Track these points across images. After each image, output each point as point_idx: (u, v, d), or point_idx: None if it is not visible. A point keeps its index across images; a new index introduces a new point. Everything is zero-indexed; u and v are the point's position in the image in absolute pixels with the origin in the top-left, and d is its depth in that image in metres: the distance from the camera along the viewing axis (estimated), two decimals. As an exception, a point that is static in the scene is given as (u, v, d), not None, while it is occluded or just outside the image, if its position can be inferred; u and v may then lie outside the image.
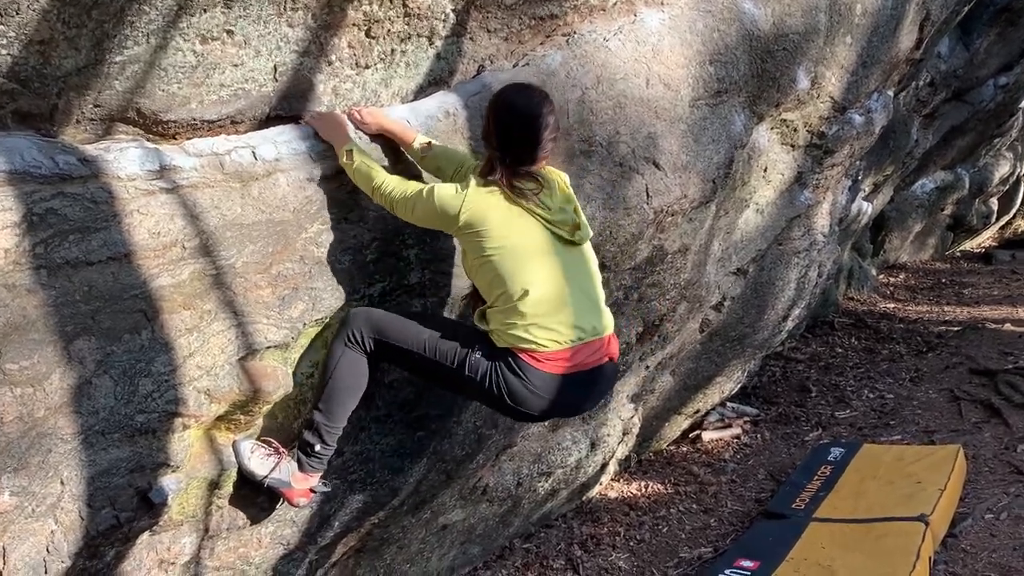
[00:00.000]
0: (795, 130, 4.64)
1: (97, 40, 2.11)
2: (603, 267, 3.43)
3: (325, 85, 2.72)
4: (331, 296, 2.49)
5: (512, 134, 2.55)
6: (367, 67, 2.81)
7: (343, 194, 2.59)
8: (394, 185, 2.52)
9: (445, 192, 2.52)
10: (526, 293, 2.53)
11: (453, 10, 2.93)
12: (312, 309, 2.43)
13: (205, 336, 2.23)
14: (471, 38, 3.12)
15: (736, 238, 4.79)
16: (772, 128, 4.52)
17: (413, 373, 2.81)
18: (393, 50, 2.84)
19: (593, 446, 4.47)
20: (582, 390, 2.71)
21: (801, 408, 6.46)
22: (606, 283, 3.54)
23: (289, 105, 2.66)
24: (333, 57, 2.68)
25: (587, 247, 2.74)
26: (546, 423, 4.02)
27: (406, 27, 2.80)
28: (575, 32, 3.40)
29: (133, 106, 2.31)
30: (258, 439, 2.52)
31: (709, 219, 4.09)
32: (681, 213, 3.76)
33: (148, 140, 2.40)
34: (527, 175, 2.57)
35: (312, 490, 2.54)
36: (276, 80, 2.55)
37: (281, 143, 2.55)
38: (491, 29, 3.14)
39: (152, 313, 2.16)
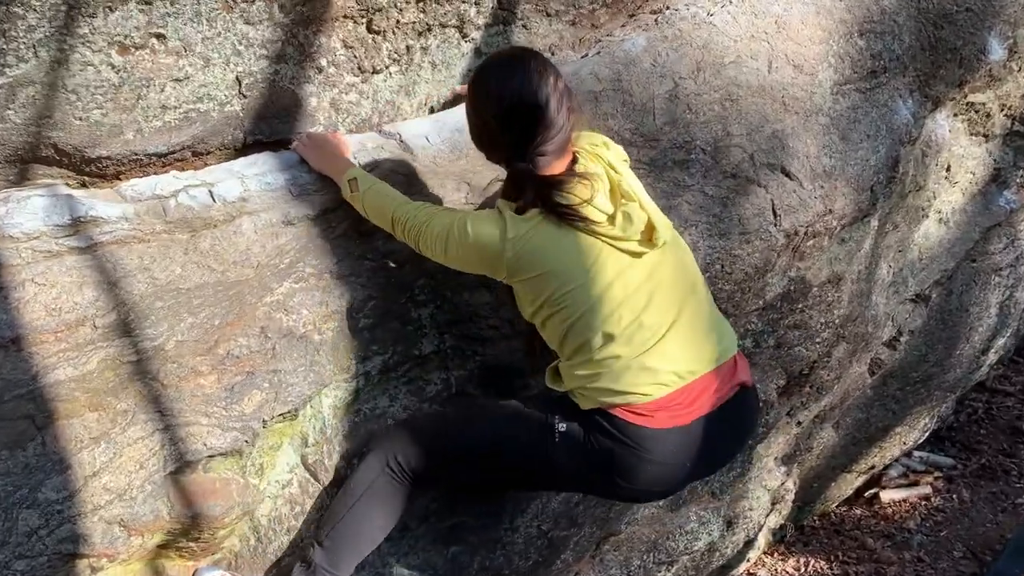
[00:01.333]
0: (988, 116, 3.59)
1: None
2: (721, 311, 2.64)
3: (319, 98, 2.12)
4: (302, 380, 1.85)
5: (515, 126, 1.82)
6: (375, 71, 2.18)
7: (331, 239, 1.95)
8: (420, 215, 1.88)
9: (482, 225, 1.84)
10: (611, 338, 1.84)
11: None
12: (274, 400, 1.80)
13: (118, 446, 1.65)
14: (524, 25, 2.43)
15: (912, 257, 3.77)
16: (955, 115, 3.50)
17: (482, 485, 2.15)
18: (409, 47, 2.19)
19: (729, 524, 3.61)
20: (716, 440, 1.97)
21: (1012, 458, 5.21)
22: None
23: (271, 127, 2.08)
24: (324, 61, 2.07)
25: (674, 246, 1.97)
26: (660, 502, 3.23)
27: (421, 15, 2.15)
28: (667, 7, 2.63)
29: (45, 142, 1.78)
30: (229, 569, 1.92)
31: (870, 237, 3.15)
32: (827, 233, 2.87)
33: (77, 185, 1.88)
34: (566, 180, 1.84)
35: None
36: (243, 96, 1.97)
37: (250, 177, 1.95)
38: (551, 12, 2.44)
39: (43, 419, 1.61)
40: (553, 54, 2.47)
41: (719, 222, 2.53)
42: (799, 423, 3.73)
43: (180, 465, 1.71)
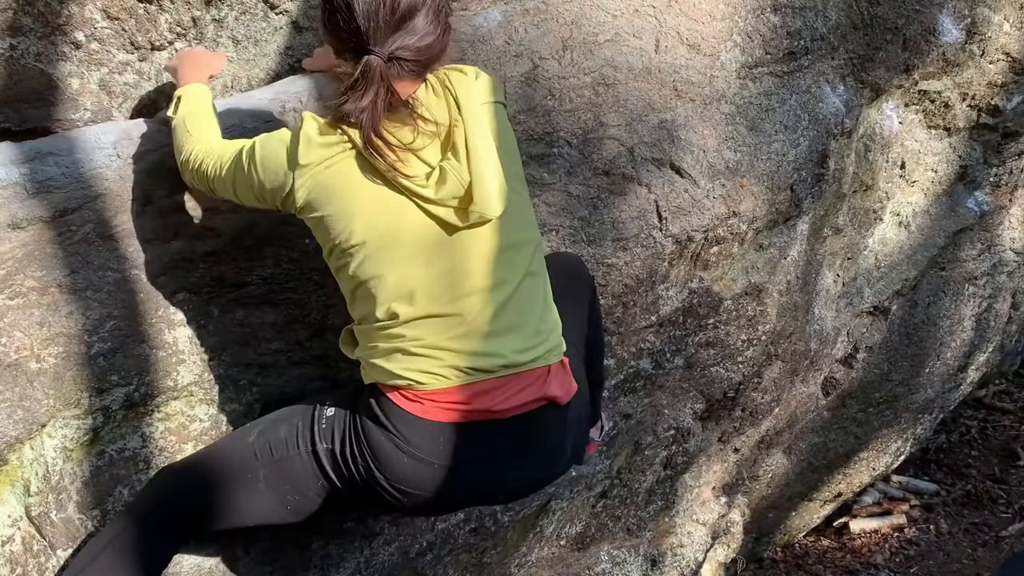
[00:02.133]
0: (947, 106, 3.18)
1: None
2: (605, 329, 2.29)
3: (82, 79, 1.81)
4: (6, 420, 1.53)
5: (353, 13, 1.46)
6: (155, 47, 1.86)
7: (66, 245, 1.63)
8: (221, 149, 1.59)
9: (271, 146, 1.54)
10: (396, 316, 1.54)
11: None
12: (-36, 442, 1.50)
13: None
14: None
15: (866, 265, 3.38)
16: (906, 105, 3.10)
17: (259, 517, 1.80)
18: (195, 18, 1.88)
19: (654, 563, 3.24)
20: (502, 455, 1.62)
21: (1001, 484, 4.77)
22: (611, 349, 2.39)
23: (20, 114, 1.77)
24: (80, 35, 1.76)
25: (510, 224, 1.60)
26: (562, 541, 2.86)
27: (204, -20, 1.83)
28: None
29: None
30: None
31: (797, 243, 2.78)
32: (736, 239, 2.50)
33: None
34: (399, 111, 1.50)
35: None
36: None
37: (-12, 167, 1.65)
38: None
39: None
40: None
41: (587, 226, 2.17)
42: (736, 449, 3.35)
43: None
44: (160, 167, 1.73)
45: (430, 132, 1.52)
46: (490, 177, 1.52)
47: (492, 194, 1.52)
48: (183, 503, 1.62)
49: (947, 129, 3.29)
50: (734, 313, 2.70)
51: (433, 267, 1.53)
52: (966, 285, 3.80)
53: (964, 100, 3.23)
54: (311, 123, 1.52)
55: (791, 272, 2.83)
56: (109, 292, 1.63)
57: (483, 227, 1.55)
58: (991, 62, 3.19)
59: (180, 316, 1.69)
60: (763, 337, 2.86)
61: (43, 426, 1.56)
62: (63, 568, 1.61)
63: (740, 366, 2.87)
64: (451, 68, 1.61)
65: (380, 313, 1.54)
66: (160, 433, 1.69)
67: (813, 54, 2.59)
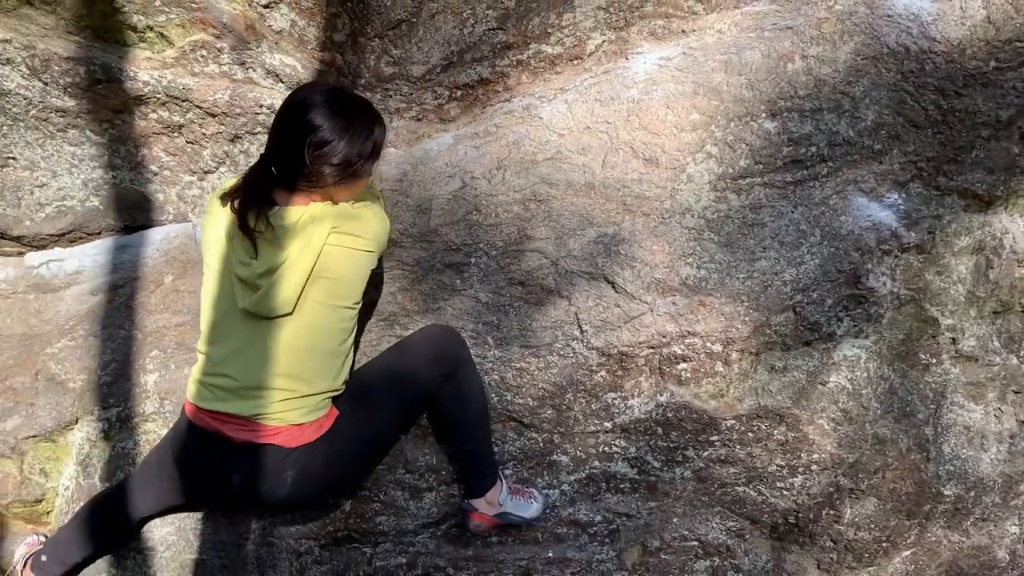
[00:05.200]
0: None
1: None
2: (535, 427, 2.46)
3: (165, 193, 2.73)
4: (47, 416, 2.52)
5: (274, 134, 1.99)
6: (208, 171, 2.70)
7: (110, 309, 2.57)
8: None
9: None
10: (207, 341, 2.12)
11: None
12: (24, 426, 2.51)
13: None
14: (363, 123, 2.64)
15: (1071, 404, 2.62)
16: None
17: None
18: (227, 152, 2.65)
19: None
20: (215, 463, 2.12)
21: None
22: (558, 446, 2.53)
23: (131, 217, 2.77)
24: (154, 167, 2.68)
25: (302, 322, 2.03)
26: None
27: (222, 127, 2.59)
28: (513, 98, 2.51)
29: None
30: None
31: (845, 370, 2.41)
32: (709, 358, 2.37)
33: (15, 253, 2.84)
34: (261, 208, 1.98)
35: None
36: (97, 195, 2.70)
37: (88, 256, 2.69)
38: (392, 110, 2.60)
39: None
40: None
41: (494, 331, 2.38)
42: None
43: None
44: (172, 259, 2.57)
45: (269, 242, 2.00)
46: (286, 294, 1.99)
47: (281, 302, 1.99)
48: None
49: None
50: (750, 435, 2.52)
51: (231, 326, 2.06)
52: None
53: None
54: (227, 186, 2.14)
55: (843, 400, 2.47)
56: (118, 343, 2.54)
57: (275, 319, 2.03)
58: None
59: (151, 366, 2.51)
60: (814, 467, 2.57)
61: (71, 425, 2.54)
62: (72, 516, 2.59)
63: (787, 493, 2.62)
64: (341, 208, 2.04)
65: (201, 338, 2.16)
66: (143, 442, 2.55)
67: (836, 161, 2.27)
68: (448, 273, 2.42)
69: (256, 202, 1.99)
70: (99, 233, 2.80)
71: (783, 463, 2.57)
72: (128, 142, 2.62)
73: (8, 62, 2.40)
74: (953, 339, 2.51)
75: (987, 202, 2.34)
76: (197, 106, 2.53)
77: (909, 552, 2.85)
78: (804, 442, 2.54)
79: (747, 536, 2.77)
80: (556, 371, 2.40)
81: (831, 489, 2.64)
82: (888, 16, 2.23)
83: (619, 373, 2.41)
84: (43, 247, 2.82)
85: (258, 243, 1.99)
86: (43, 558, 2.47)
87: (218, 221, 2.05)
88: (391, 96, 2.61)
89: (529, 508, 2.52)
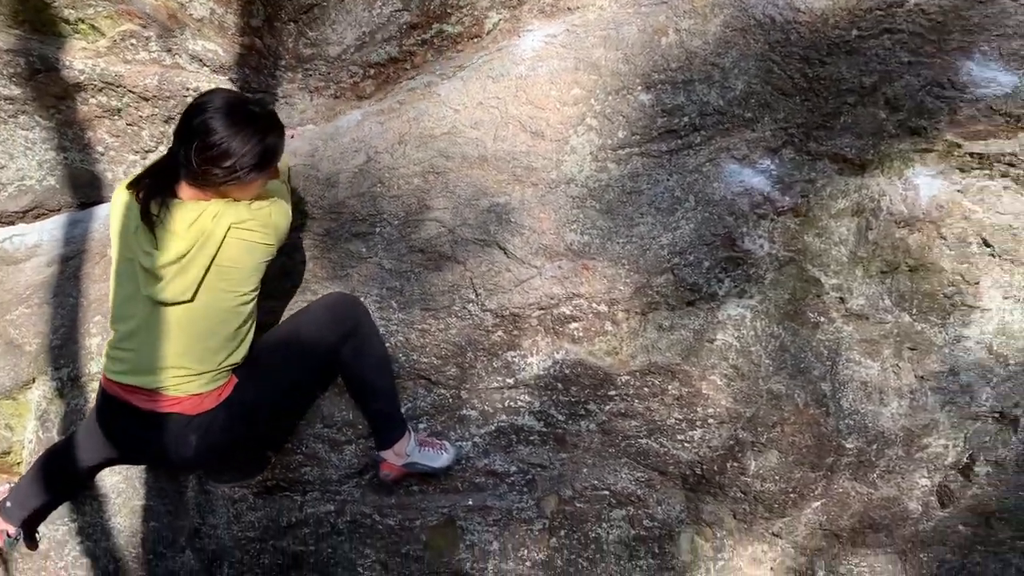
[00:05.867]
0: None
1: None
2: (442, 384, 2.66)
3: (113, 172, 2.98)
4: (7, 377, 2.79)
5: (175, 132, 2.17)
6: (148, 151, 2.93)
7: (61, 279, 2.83)
8: None
9: None
10: (114, 319, 2.34)
11: (235, 78, 2.77)
12: (-16, 386, 2.81)
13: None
14: (288, 102, 2.84)
15: (970, 359, 2.69)
16: (961, 171, 2.43)
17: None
18: (163, 132, 2.88)
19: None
20: (128, 429, 2.37)
21: None
22: (465, 401, 2.73)
23: (86, 194, 3.02)
24: (100, 148, 2.92)
25: (201, 308, 2.24)
26: (528, 563, 3.13)
27: (156, 110, 2.81)
28: (420, 74, 2.68)
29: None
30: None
31: (732, 328, 2.55)
32: (597, 318, 2.53)
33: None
34: (168, 197, 2.20)
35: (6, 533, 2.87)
36: (52, 175, 2.95)
37: (46, 230, 2.95)
38: (312, 88, 2.80)
39: None
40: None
41: (397, 295, 2.57)
42: (775, 534, 3.08)
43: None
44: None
45: (165, 227, 2.23)
46: (179, 282, 2.20)
47: (180, 290, 2.21)
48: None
49: (1084, 197, 2.45)
50: (646, 390, 2.68)
51: (137, 306, 2.27)
52: None
53: (1094, 160, 2.38)
54: (135, 176, 2.36)
55: (733, 357, 2.61)
56: (67, 310, 2.80)
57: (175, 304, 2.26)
58: None
59: (95, 330, 2.77)
60: (711, 420, 2.72)
61: (29, 384, 2.81)
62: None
63: (688, 445, 2.78)
64: (239, 205, 2.22)
65: (111, 317, 2.38)
66: (91, 399, 2.81)
67: (708, 130, 2.39)
68: (355, 242, 2.62)
69: (158, 194, 2.18)
70: (59, 209, 3.06)
71: (681, 417, 2.73)
72: (74, 125, 2.86)
73: (-44, 55, 2.66)
74: (841, 298, 2.63)
75: (860, 166, 2.44)
76: (130, 91, 2.75)
77: (819, 503, 2.99)
78: (699, 397, 2.69)
79: (658, 486, 2.94)
80: (455, 332, 2.59)
81: (732, 442, 2.79)
82: (755, -13, 2.33)
83: (515, 333, 2.59)
84: (10, 223, 3.09)
85: (160, 234, 2.19)
86: (8, 504, 2.76)
87: (124, 210, 2.26)
88: (311, 75, 2.81)
89: (439, 459, 2.72)
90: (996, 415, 2.83)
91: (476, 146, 2.52)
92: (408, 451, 2.66)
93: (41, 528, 2.94)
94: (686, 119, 2.40)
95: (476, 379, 2.68)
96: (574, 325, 2.57)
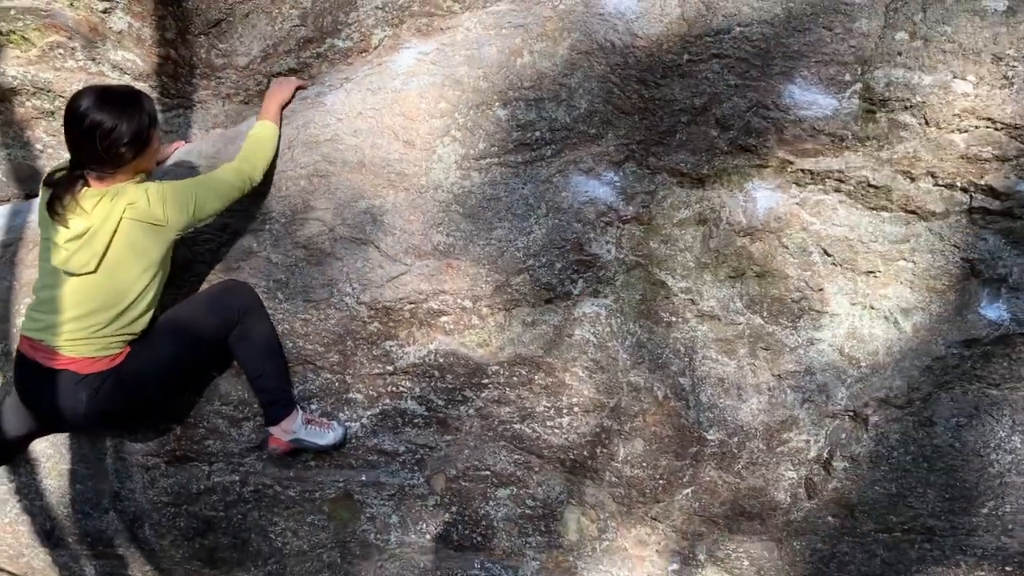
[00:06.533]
0: (872, 186, 2.55)
1: None
2: (327, 369, 2.93)
3: (51, 167, 3.27)
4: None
5: (70, 141, 2.50)
6: (81, 150, 3.22)
7: (0, 262, 3.16)
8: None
9: None
10: (36, 288, 2.68)
11: (155, 85, 3.06)
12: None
13: None
14: (203, 107, 3.12)
15: (824, 360, 2.89)
16: (797, 185, 2.62)
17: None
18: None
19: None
20: (31, 382, 2.68)
21: None
22: (348, 385, 3.00)
23: (29, 187, 3.35)
24: (39, 145, 3.23)
25: (101, 279, 2.56)
26: (427, 536, 3.39)
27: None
28: (314, 85, 2.94)
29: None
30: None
31: (589, 325, 2.78)
32: (464, 312, 2.77)
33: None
34: (71, 192, 2.53)
35: None
36: (-2, 169, 3.28)
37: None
38: (224, 95, 3.08)
39: None
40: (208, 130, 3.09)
41: (283, 287, 2.85)
42: (654, 518, 3.31)
43: None
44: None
45: (73, 215, 2.56)
46: (92, 253, 2.53)
47: (79, 264, 2.53)
48: None
49: (912, 212, 2.63)
50: (515, 379, 2.93)
51: (55, 276, 2.61)
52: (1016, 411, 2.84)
53: (915, 179, 2.56)
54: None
55: (591, 352, 2.85)
56: (2, 292, 3.12)
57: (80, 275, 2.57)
58: (956, 131, 2.47)
59: (24, 311, 3.09)
60: (576, 409, 2.96)
61: (-31, 355, 3.16)
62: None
63: (557, 431, 3.02)
64: (136, 187, 2.57)
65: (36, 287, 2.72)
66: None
67: (558, 144, 2.62)
68: (248, 238, 2.90)
69: (63, 193, 2.51)
70: (8, 200, 3.39)
71: (549, 405, 2.98)
72: (14, 125, 3.18)
73: (-99, 63, 2.99)
74: (692, 300, 2.84)
75: (698, 179, 2.66)
76: (60, 96, 3.06)
77: (689, 490, 3.22)
78: (563, 387, 2.93)
79: (536, 468, 3.19)
80: (334, 322, 2.86)
81: (598, 430, 3.03)
82: (600, 15, 2.55)
83: (390, 324, 2.86)
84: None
85: (70, 215, 2.51)
86: None
87: (44, 198, 2.58)
88: (223, 83, 3.09)
89: (325, 436, 3.00)
90: (851, 413, 3.03)
91: (355, 152, 2.78)
92: (294, 428, 2.94)
93: (-16, 487, 3.29)
94: (538, 134, 2.64)
95: (358, 365, 2.95)
96: (444, 319, 2.83)
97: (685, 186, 2.67)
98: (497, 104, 2.66)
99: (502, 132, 2.65)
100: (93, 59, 3.01)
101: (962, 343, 2.78)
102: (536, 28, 2.62)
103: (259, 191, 2.85)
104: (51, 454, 3.18)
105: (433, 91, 2.70)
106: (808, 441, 3.10)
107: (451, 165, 2.71)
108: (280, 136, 2.80)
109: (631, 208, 2.66)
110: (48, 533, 3.36)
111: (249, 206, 2.89)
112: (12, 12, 2.88)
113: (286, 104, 2.87)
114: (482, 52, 2.66)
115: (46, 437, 3.16)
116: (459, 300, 2.78)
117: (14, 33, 2.96)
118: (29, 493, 3.28)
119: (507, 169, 2.69)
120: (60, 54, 3.01)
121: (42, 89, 3.04)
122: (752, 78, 2.49)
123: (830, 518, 3.33)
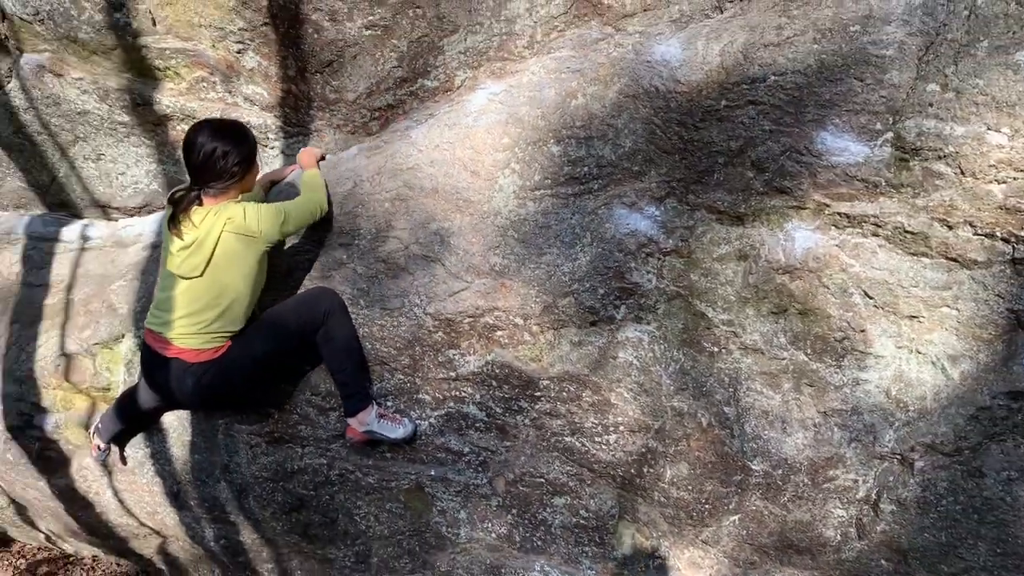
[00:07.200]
0: (909, 232, 2.58)
1: (27, 169, 4.02)
2: (399, 371, 3.29)
3: (197, 182, 3.85)
4: (106, 331, 3.73)
5: (192, 165, 3.01)
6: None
7: (149, 260, 3.74)
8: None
9: None
10: (158, 288, 3.23)
11: (278, 115, 3.57)
12: (93, 336, 3.75)
13: (29, 344, 3.90)
14: (318, 135, 3.59)
15: (871, 401, 2.92)
16: (836, 227, 2.69)
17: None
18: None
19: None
20: (151, 366, 3.21)
21: None
22: (418, 385, 3.35)
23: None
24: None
25: (212, 278, 3.04)
26: (492, 535, 3.65)
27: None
28: (404, 120, 3.32)
29: (95, 201, 4.09)
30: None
31: (632, 349, 2.96)
32: (516, 329, 3.04)
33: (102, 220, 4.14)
34: (186, 208, 3.06)
35: (98, 446, 3.82)
36: (156, 180, 3.90)
37: (148, 223, 3.90)
38: (335, 125, 3.54)
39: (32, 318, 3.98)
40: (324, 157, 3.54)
41: (364, 295, 3.22)
42: (705, 542, 3.42)
43: (62, 354, 3.86)
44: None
45: (188, 225, 3.09)
46: (194, 258, 3.04)
47: (191, 267, 3.04)
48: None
49: (952, 260, 2.64)
50: (565, 395, 3.16)
51: (170, 277, 3.15)
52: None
53: (953, 227, 2.58)
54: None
55: (635, 374, 3.03)
56: (148, 285, 3.69)
57: (204, 275, 3.07)
58: (994, 182, 2.48)
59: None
60: (622, 428, 3.15)
61: (120, 338, 3.75)
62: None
63: (605, 447, 3.22)
64: (235, 205, 3.09)
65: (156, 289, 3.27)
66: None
67: (604, 179, 2.84)
68: (339, 251, 3.32)
69: (180, 210, 3.03)
70: (163, 208, 4.00)
71: (596, 421, 3.18)
72: (167, 145, 3.78)
73: (85, 91, 3.64)
74: (734, 332, 2.97)
75: (737, 217, 2.80)
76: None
77: (736, 517, 3.32)
78: (609, 406, 3.14)
79: (588, 481, 3.40)
80: (405, 329, 3.21)
81: (644, 449, 3.20)
82: (647, 62, 2.76)
83: (453, 335, 3.17)
84: (131, 215, 4.08)
85: (184, 228, 3.02)
86: (99, 425, 3.74)
87: (166, 213, 3.11)
88: (335, 115, 3.53)
89: (396, 431, 3.35)
90: (898, 457, 3.04)
91: (431, 180, 3.13)
92: (369, 421, 3.31)
93: (127, 450, 3.89)
94: (586, 169, 2.87)
95: (426, 370, 3.29)
96: (499, 332, 3.11)
97: (724, 223, 2.82)
98: (552, 141, 2.92)
99: (555, 166, 2.92)
100: (229, 91, 3.55)
101: (1007, 394, 2.74)
102: (591, 73, 2.87)
103: (329, 218, 3.27)
104: (176, 426, 3.73)
105: (498, 128, 3.01)
106: (856, 481, 3.13)
107: (510, 194, 3.00)
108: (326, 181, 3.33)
109: (671, 241, 2.85)
110: (175, 495, 3.93)
111: (342, 223, 3.31)
112: (167, 52, 3.46)
113: (320, 159, 3.43)
114: (543, 94, 2.94)
115: (172, 412, 3.72)
116: (511, 317, 3.05)
117: (169, 69, 3.54)
118: (161, 459, 3.85)
119: (558, 200, 2.94)
120: (204, 87, 3.56)
121: (189, 116, 3.61)
122: (786, 124, 2.61)
123: (883, 561, 3.32)
